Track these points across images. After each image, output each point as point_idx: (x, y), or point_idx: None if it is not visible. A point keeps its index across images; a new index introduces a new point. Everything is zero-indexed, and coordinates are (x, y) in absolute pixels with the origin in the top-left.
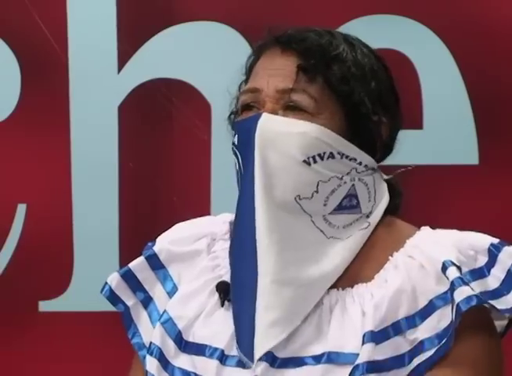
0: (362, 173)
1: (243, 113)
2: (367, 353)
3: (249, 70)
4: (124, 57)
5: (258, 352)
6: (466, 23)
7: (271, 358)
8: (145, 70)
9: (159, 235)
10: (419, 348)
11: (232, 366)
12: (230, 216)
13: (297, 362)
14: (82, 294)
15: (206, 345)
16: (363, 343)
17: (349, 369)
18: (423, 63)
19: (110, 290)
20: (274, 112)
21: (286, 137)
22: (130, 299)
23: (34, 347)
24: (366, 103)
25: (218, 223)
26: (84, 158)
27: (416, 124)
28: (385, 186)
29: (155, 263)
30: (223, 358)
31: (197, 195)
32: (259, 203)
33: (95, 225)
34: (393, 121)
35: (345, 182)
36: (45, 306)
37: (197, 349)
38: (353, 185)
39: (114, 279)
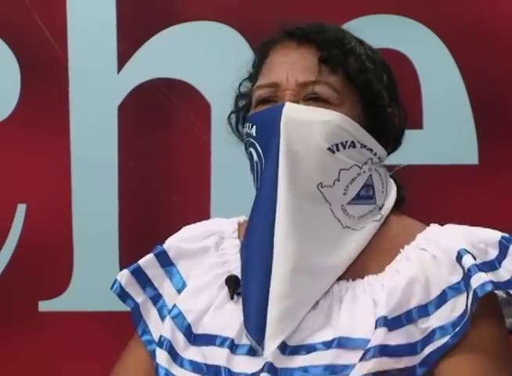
0: (376, 164)
1: (259, 106)
2: (380, 337)
3: (257, 67)
4: (123, 57)
5: (273, 342)
6: (467, 23)
7: (281, 345)
8: (145, 70)
9: (159, 235)
10: (431, 336)
11: (243, 354)
12: (237, 218)
13: (308, 348)
14: (82, 294)
15: (216, 335)
16: (376, 327)
17: (360, 353)
18: (423, 63)
19: (120, 286)
20: (295, 103)
21: (311, 125)
22: (139, 296)
23: (34, 347)
24: (384, 94)
25: (226, 223)
26: (83, 158)
27: (416, 124)
28: (392, 179)
29: (164, 260)
30: (233, 347)
31: (197, 195)
32: (282, 191)
33: (95, 225)
34: (402, 114)
35: (364, 172)
36: (45, 306)
37: (207, 340)
38: (370, 175)
39: (124, 275)
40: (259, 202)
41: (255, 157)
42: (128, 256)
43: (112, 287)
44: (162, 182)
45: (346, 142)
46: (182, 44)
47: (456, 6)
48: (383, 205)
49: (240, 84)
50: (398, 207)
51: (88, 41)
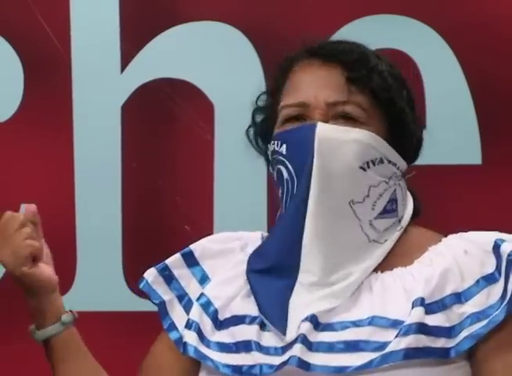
0: (399, 177)
1: (286, 125)
2: (417, 315)
3: (280, 83)
4: (127, 57)
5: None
6: (469, 23)
7: (315, 321)
8: (148, 70)
9: (162, 235)
10: (467, 321)
11: (273, 331)
12: (260, 232)
13: (342, 325)
14: (85, 294)
15: (245, 315)
16: (413, 307)
17: (395, 332)
18: (426, 63)
19: (147, 284)
20: (324, 122)
21: (344, 144)
22: (166, 294)
23: (36, 347)
24: (407, 110)
25: (250, 233)
26: (87, 158)
27: None
28: (409, 191)
29: (190, 260)
30: (263, 325)
31: (200, 195)
32: (313, 208)
33: (98, 226)
34: (421, 127)
35: (390, 187)
36: None
37: (236, 320)
38: (395, 190)
39: (151, 274)
40: (287, 218)
41: (285, 175)
42: (132, 256)
43: (139, 284)
44: (165, 182)
45: (376, 159)
46: (185, 44)
47: (459, 6)
48: (402, 217)
49: (259, 97)
50: (413, 218)
51: (91, 41)
